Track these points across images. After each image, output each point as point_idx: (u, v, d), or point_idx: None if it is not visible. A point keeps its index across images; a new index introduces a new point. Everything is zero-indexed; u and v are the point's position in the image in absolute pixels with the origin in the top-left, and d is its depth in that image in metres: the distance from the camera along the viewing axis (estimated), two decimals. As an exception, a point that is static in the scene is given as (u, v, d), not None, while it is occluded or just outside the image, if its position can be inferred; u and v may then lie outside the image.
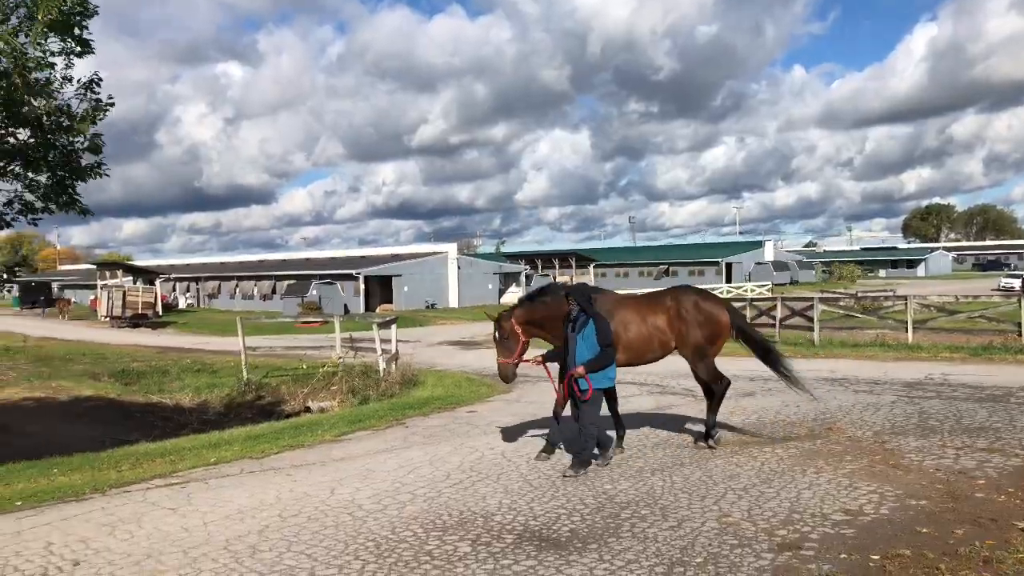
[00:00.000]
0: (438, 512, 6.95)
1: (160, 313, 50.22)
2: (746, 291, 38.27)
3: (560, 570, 5.43)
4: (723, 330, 9.29)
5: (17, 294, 72.56)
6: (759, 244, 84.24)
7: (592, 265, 77.08)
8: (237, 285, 64.47)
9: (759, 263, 78.38)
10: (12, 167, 9.60)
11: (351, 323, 28.29)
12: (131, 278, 57.25)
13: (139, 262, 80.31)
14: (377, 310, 52.64)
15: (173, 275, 69.15)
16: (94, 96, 9.51)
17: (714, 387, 9.38)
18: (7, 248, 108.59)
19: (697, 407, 12.11)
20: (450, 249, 61.00)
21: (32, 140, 9.52)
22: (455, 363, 21.70)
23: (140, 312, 47.71)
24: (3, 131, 9.24)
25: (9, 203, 9.94)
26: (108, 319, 48.55)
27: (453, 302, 57.52)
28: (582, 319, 8.26)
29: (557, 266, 76.32)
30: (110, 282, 55.16)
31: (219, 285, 66.31)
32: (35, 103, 8.50)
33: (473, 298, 57.73)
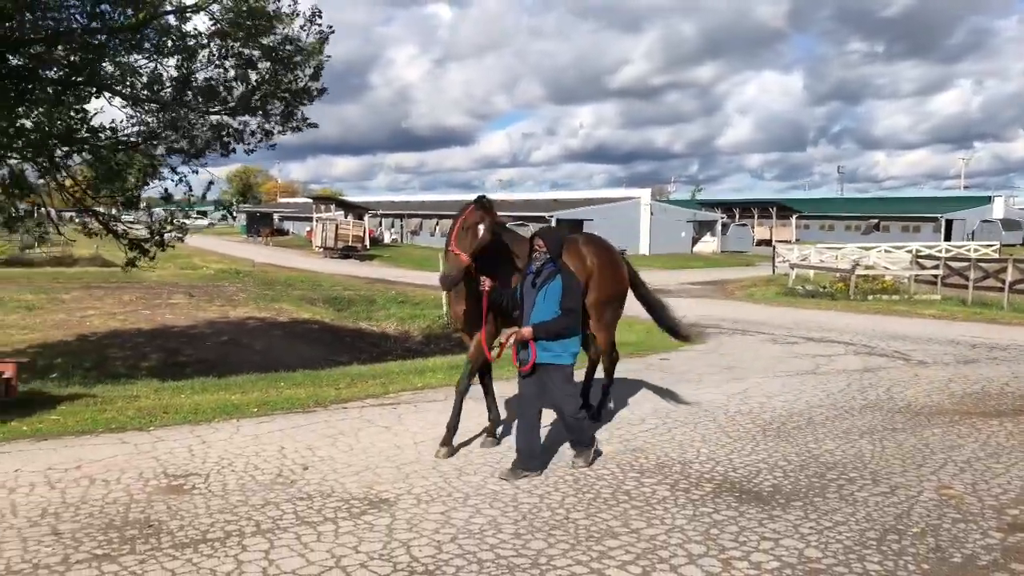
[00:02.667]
0: (634, 454, 7.00)
1: (367, 246, 53.51)
2: (969, 251, 34.88)
3: (763, 523, 5.32)
4: (626, 289, 8.18)
5: (244, 223, 79.96)
6: (987, 200, 76.14)
7: (794, 216, 73.12)
8: (437, 223, 67.20)
9: (986, 221, 70.92)
10: (253, 101, 10.52)
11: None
12: (342, 212, 61.17)
13: (350, 198, 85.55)
14: (568, 253, 53.05)
15: (380, 211, 73.10)
16: (317, 27, 10.18)
17: (601, 357, 8.17)
18: (236, 180, 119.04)
19: (909, 371, 11.32)
20: (643, 194, 60.10)
21: (267, 74, 10.36)
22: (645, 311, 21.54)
23: (350, 244, 51.11)
24: (246, 66, 10.14)
25: (252, 133, 10.96)
26: (321, 249, 52.36)
27: (644, 249, 56.83)
28: (549, 270, 6.30)
29: (756, 216, 73.17)
30: (324, 215, 59.29)
31: (420, 223, 69.42)
32: (277, 28, 9.22)
33: (665, 246, 56.73)
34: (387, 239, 68.91)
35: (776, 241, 50.29)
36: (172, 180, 11.25)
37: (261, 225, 76.68)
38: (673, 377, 11.02)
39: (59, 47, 9.47)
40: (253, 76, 10.34)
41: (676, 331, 9.16)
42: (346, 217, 58.93)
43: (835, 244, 40.53)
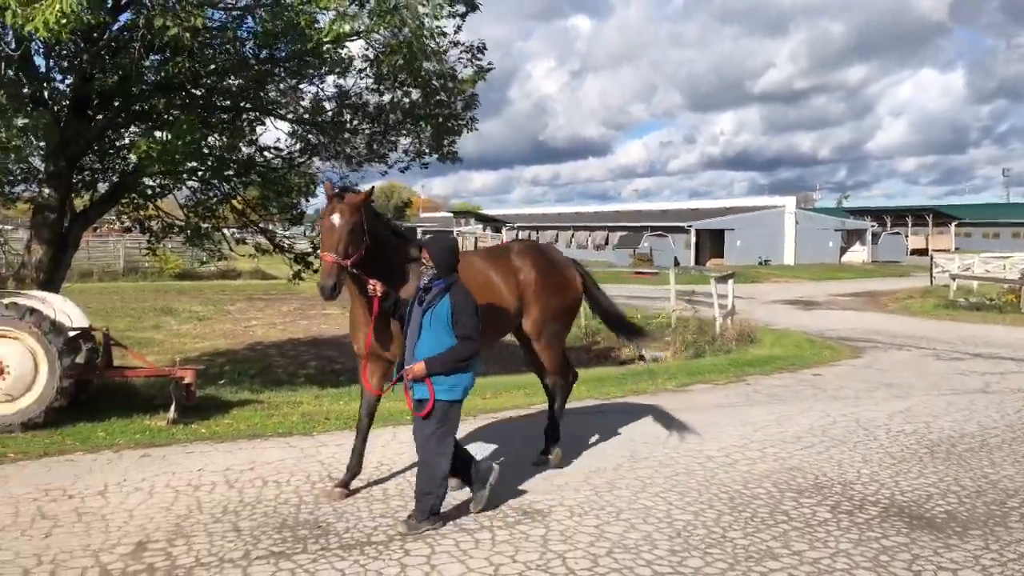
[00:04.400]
0: (791, 473, 6.77)
1: (505, 258, 54.38)
2: None
3: (938, 552, 5.02)
4: (578, 299, 7.35)
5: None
6: None
7: (953, 224, 68.50)
8: (572, 235, 67.46)
9: None
10: (406, 123, 10.97)
11: (685, 276, 28.29)
12: (481, 225, 62.53)
13: (487, 211, 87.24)
14: (707, 264, 51.95)
15: (516, 224, 74.19)
16: (477, 62, 10.48)
17: (553, 383, 7.16)
18: (382, 196, 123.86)
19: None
20: (787, 202, 58.11)
21: (420, 99, 10.76)
22: (793, 323, 20.74)
23: (488, 257, 52.09)
24: (403, 93, 10.59)
25: (405, 152, 11.44)
26: (461, 262, 53.64)
27: (788, 259, 54.82)
28: (437, 287, 5.34)
29: (910, 224, 69.06)
30: (464, 228, 60.80)
31: (556, 234, 69.89)
32: (427, 66, 9.57)
33: (811, 255, 54.52)
34: (524, 251, 69.65)
35: (934, 250, 47.25)
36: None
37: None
38: (827, 394, 10.59)
39: (230, 77, 10.21)
40: (406, 101, 10.77)
41: (632, 331, 8.38)
42: (484, 230, 60.16)
43: (1001, 253, 37.69)
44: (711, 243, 55.52)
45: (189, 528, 5.36)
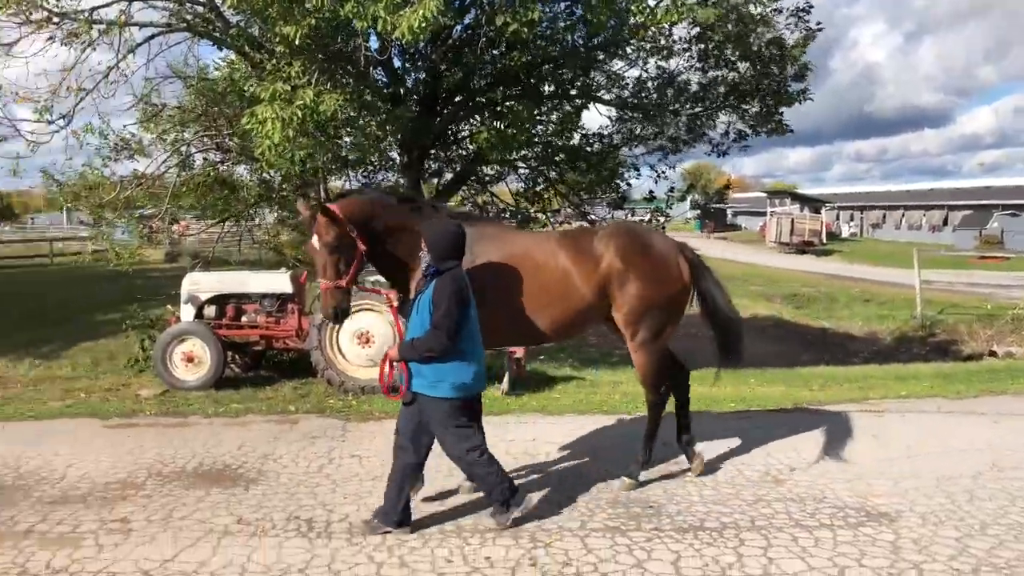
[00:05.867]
0: None
1: (824, 241, 51.01)
2: None
3: None
4: (684, 292, 5.83)
5: (698, 219, 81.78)
6: None
7: None
8: (903, 215, 61.39)
9: None
10: (728, 100, 10.67)
11: (1048, 261, 24.45)
12: (797, 206, 59.22)
13: (803, 191, 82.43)
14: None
15: (836, 204, 69.18)
16: (804, 24, 9.89)
17: (650, 395, 6.02)
18: (688, 178, 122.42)
19: None
20: None
21: (747, 74, 10.40)
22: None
23: (805, 239, 49.20)
24: (729, 69, 10.32)
25: (725, 133, 11.15)
26: (775, 244, 51.26)
27: None
28: (429, 274, 5.01)
29: None
30: (778, 209, 58.03)
31: (883, 215, 64.12)
32: (757, 32, 9.23)
33: None
34: (845, 233, 64.88)
35: None
36: (652, 178, 11.95)
37: (712, 221, 77.75)
38: None
39: (559, 66, 10.62)
40: (731, 76, 10.48)
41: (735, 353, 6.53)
42: (801, 211, 56.89)
43: None
44: (1081, 223, 47.31)
45: (531, 493, 5.69)
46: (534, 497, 5.41)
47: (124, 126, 10.83)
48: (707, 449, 6.78)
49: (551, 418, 7.98)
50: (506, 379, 9.09)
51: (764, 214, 64.34)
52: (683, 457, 6.46)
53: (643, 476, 6.03)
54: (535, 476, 6.10)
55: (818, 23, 9.99)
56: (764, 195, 72.97)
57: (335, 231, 5.15)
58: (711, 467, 6.32)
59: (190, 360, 9.04)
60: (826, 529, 5.08)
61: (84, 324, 16.75)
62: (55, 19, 8.28)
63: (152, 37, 9.27)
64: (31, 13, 8.13)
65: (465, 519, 5.21)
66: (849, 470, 6.28)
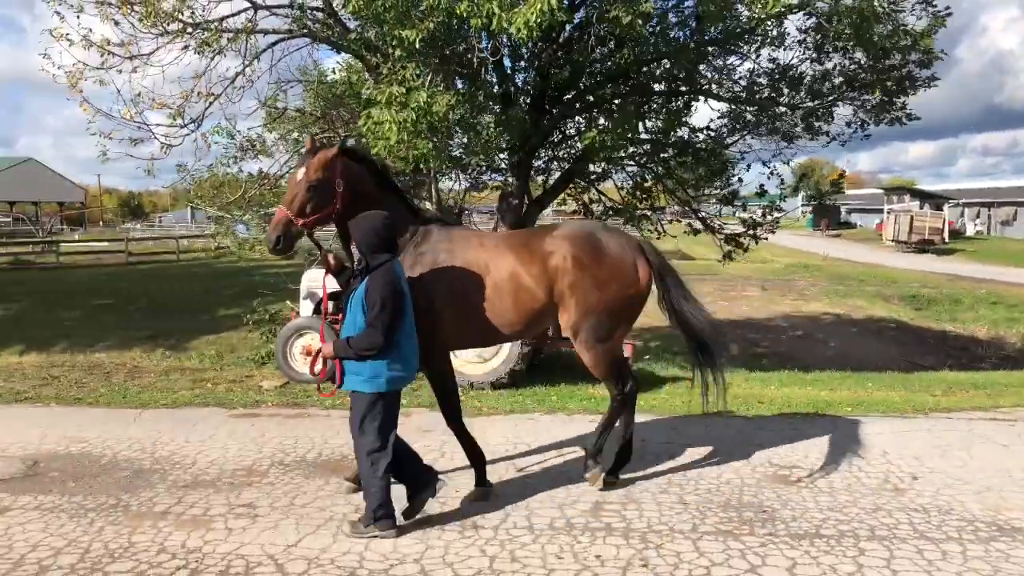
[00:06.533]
0: None
1: (946, 240, 48.38)
2: None
3: None
4: (639, 290, 5.57)
5: (810, 216, 79.10)
6: None
7: None
8: (1036, 211, 57.54)
9: None
10: (846, 92, 10.25)
11: None
12: (917, 203, 56.38)
13: (924, 186, 78.43)
14: None
15: (960, 200, 65.47)
16: (932, 9, 9.39)
17: (613, 391, 5.79)
18: (798, 172, 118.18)
19: None
20: None
21: (866, 63, 9.97)
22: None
23: (926, 238, 46.79)
24: (848, 60, 9.93)
25: (848, 124, 10.72)
26: (892, 243, 48.99)
27: None
28: (362, 270, 4.94)
29: None
30: (896, 206, 55.43)
31: (1014, 211, 60.20)
32: (878, 28, 8.84)
33: None
34: (970, 231, 61.36)
35: None
36: (765, 174, 11.63)
37: (827, 218, 75.02)
38: None
39: (668, 61, 10.48)
40: (850, 66, 10.08)
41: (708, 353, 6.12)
42: (921, 208, 54.14)
43: None
44: None
45: (638, 494, 5.68)
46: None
47: (249, 128, 11.37)
48: (822, 453, 6.61)
49: (662, 419, 7.93)
50: (613, 378, 9.06)
51: (880, 211, 61.59)
52: (796, 463, 6.31)
53: (763, 483, 5.92)
54: (643, 475, 6.06)
55: (947, 8, 9.49)
56: (881, 191, 69.86)
57: (323, 176, 5.19)
58: (826, 472, 6.13)
59: (309, 354, 9.40)
60: (954, 543, 4.86)
61: (208, 318, 17.69)
62: (189, 30, 8.77)
63: (275, 43, 9.68)
64: (168, 24, 8.64)
65: (576, 518, 5.24)
66: (978, 481, 5.97)
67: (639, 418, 7.87)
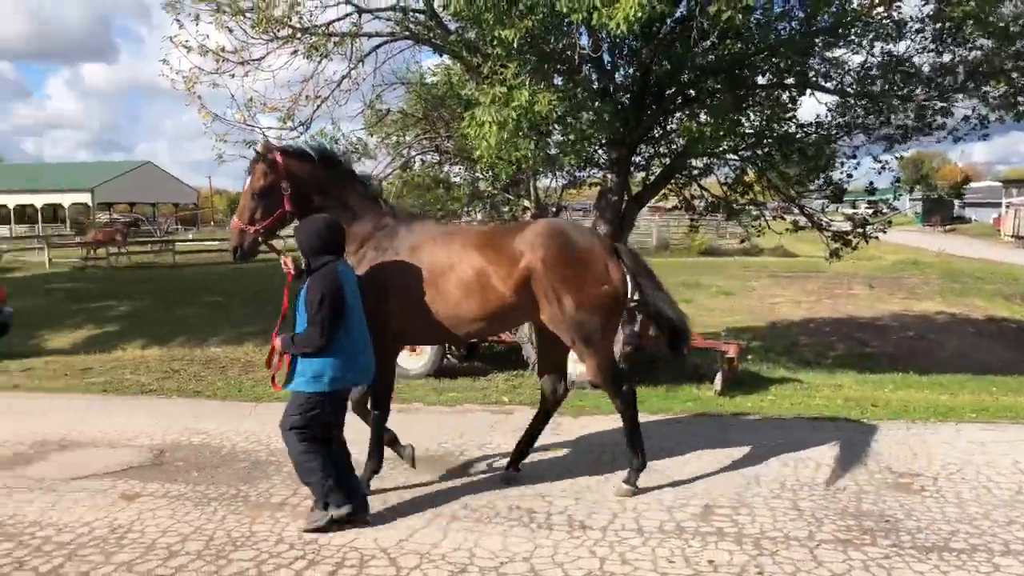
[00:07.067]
0: None
1: (1073, 234, 45.39)
2: None
3: None
4: (613, 288, 5.43)
5: (920, 211, 75.50)
6: None
7: None
8: None
9: None
10: (967, 84, 9.70)
11: None
12: (1038, 195, 53.08)
13: (1046, 178, 73.68)
14: None
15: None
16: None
17: (614, 393, 5.69)
18: (909, 166, 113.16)
19: None
20: None
21: (989, 52, 9.40)
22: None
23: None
24: (968, 49, 9.40)
25: (965, 119, 10.15)
26: (1012, 239, 46.30)
27: None
28: (305, 270, 5.13)
29: None
30: (1016, 200, 52.26)
31: None
32: (1003, 10, 8.34)
33: None
34: (1099, 225, 57.28)
35: None
36: (875, 169, 11.15)
37: (939, 213, 71.45)
38: None
39: (773, 54, 10.16)
40: (973, 56, 9.52)
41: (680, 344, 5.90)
42: (1044, 200, 50.92)
43: None
44: None
45: (750, 499, 5.52)
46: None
47: (352, 131, 11.64)
48: (946, 461, 6.28)
49: (770, 421, 7.70)
50: (718, 379, 8.87)
51: (999, 205, 58.27)
52: (919, 470, 6.02)
53: (883, 491, 5.68)
54: (755, 484, 5.89)
55: (1083, -15, 8.87)
56: (999, 184, 66.11)
57: (266, 181, 5.33)
58: (952, 481, 5.82)
59: (412, 350, 9.56)
60: (1097, 560, 4.52)
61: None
62: (298, 35, 9.04)
63: (379, 46, 9.85)
64: (279, 30, 8.93)
65: (686, 522, 5.14)
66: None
67: (745, 419, 7.73)
